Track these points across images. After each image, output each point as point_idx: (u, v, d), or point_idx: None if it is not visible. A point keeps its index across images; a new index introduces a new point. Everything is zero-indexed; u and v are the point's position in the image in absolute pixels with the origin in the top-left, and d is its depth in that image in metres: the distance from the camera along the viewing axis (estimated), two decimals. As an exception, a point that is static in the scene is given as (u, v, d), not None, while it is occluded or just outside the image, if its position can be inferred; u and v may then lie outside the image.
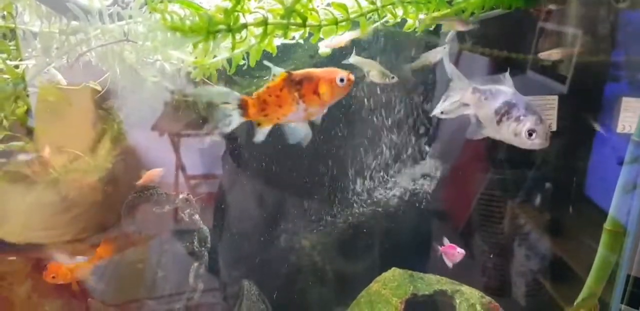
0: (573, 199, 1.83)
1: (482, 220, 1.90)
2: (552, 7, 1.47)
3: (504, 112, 1.14)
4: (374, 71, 1.34)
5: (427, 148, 1.77)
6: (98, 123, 1.61)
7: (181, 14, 0.98)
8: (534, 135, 1.10)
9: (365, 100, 1.64)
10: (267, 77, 1.49)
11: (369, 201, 1.76)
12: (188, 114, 1.63)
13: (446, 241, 1.58)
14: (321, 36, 1.07)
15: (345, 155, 1.72)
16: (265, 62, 1.01)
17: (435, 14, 1.14)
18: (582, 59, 1.64)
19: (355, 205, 1.76)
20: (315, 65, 1.08)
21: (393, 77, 1.35)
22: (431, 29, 1.16)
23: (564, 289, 1.75)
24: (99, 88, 1.28)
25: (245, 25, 0.98)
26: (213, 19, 0.96)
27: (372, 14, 1.03)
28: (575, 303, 1.29)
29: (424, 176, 1.79)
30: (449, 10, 1.12)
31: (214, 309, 1.69)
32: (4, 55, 1.18)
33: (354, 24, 1.05)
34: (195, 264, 1.53)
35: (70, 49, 1.14)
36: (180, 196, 1.51)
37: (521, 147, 1.16)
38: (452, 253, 1.54)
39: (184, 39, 0.98)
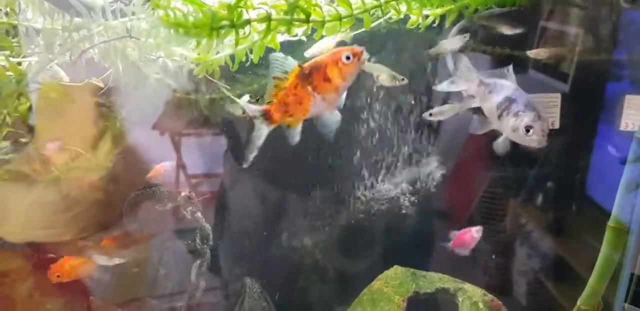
0: (575, 198, 1.82)
1: (484, 219, 1.90)
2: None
3: (505, 107, 1.14)
4: (383, 75, 1.34)
5: (428, 145, 1.77)
6: (99, 121, 1.61)
7: (184, 10, 0.98)
8: (531, 131, 1.10)
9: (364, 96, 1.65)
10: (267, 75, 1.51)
11: (370, 199, 1.76)
12: (190, 112, 1.63)
13: (454, 233, 1.55)
14: (323, 33, 1.07)
15: (347, 152, 1.71)
16: (277, 54, 0.99)
17: (438, 10, 1.14)
18: (583, 58, 1.64)
19: (357, 202, 1.76)
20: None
21: (403, 79, 1.35)
22: (434, 25, 1.16)
23: (565, 287, 1.75)
24: (101, 85, 1.27)
25: (248, 21, 0.97)
26: (216, 15, 0.96)
27: (376, 10, 1.03)
28: (578, 301, 1.28)
29: (426, 174, 1.79)
30: (452, 6, 1.12)
31: (216, 307, 1.68)
32: (7, 52, 1.18)
33: (357, 20, 1.05)
34: (198, 262, 1.52)
35: (73, 46, 1.13)
36: (183, 194, 1.50)
37: (520, 143, 1.16)
38: (469, 237, 1.51)
39: (187, 36, 0.98)
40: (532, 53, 1.52)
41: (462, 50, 1.44)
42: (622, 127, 1.54)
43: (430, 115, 1.36)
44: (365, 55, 0.93)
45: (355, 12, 1.02)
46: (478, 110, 1.24)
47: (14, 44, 1.19)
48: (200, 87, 1.53)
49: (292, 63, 0.93)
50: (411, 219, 1.83)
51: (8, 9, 1.15)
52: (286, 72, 0.95)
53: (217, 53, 1.14)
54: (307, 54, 1.27)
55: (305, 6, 0.98)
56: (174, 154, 1.77)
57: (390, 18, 1.13)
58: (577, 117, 1.62)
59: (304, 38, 1.11)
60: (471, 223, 1.96)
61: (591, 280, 1.29)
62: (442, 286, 1.56)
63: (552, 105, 1.57)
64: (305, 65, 0.93)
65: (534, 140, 1.11)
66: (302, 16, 0.98)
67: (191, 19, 0.98)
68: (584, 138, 1.76)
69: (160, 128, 1.72)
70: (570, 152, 1.78)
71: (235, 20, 0.96)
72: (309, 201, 1.76)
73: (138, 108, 1.57)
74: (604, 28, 1.66)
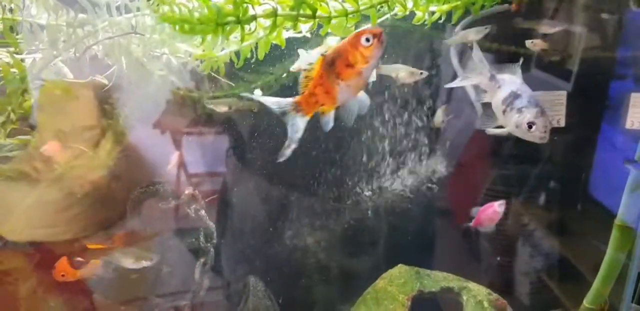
0: (577, 197, 1.82)
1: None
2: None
3: (509, 103, 1.14)
4: (402, 73, 1.33)
5: (433, 143, 1.77)
6: (101, 119, 1.60)
7: (189, 6, 0.98)
8: (533, 127, 1.09)
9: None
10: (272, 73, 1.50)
11: (373, 197, 1.75)
12: (193, 110, 1.62)
13: (476, 209, 1.50)
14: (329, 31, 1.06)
15: (350, 150, 1.71)
16: (300, 51, 0.97)
17: (445, 6, 1.13)
18: (586, 55, 1.64)
19: (359, 201, 1.75)
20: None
21: (422, 73, 1.35)
22: (440, 21, 1.15)
23: (568, 286, 1.74)
24: (105, 81, 1.27)
25: (254, 17, 0.97)
26: (222, 11, 0.96)
27: (382, 6, 1.02)
28: (584, 300, 1.27)
29: (430, 172, 1.78)
30: (458, 2, 1.11)
31: (220, 305, 1.68)
32: (12, 49, 1.17)
33: (364, 16, 1.04)
34: (201, 260, 1.52)
35: (77, 42, 1.13)
36: (187, 191, 1.50)
37: (523, 138, 1.15)
38: (491, 212, 1.46)
39: (192, 32, 0.98)
40: (531, 43, 1.51)
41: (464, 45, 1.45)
42: (628, 125, 1.54)
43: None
44: (385, 37, 0.89)
45: (362, 7, 1.01)
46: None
47: (19, 41, 1.18)
48: (204, 84, 1.53)
49: (317, 54, 0.91)
50: (414, 217, 1.82)
51: (13, 5, 1.14)
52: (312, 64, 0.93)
53: (222, 49, 1.14)
54: (293, 68, 1.29)
55: (312, 2, 0.97)
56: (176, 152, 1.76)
57: (395, 14, 1.12)
58: (580, 116, 1.61)
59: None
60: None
61: (597, 279, 1.29)
62: (447, 285, 1.55)
63: (557, 103, 1.56)
64: (328, 53, 0.91)
65: (536, 137, 1.11)
66: (309, 12, 0.98)
67: (196, 14, 0.97)
68: (588, 136, 1.76)
69: (162, 126, 1.71)
70: (575, 151, 1.78)
71: (241, 16, 0.96)
72: (313, 199, 1.76)
73: (140, 105, 1.57)
74: (609, 26, 1.66)
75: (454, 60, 1.57)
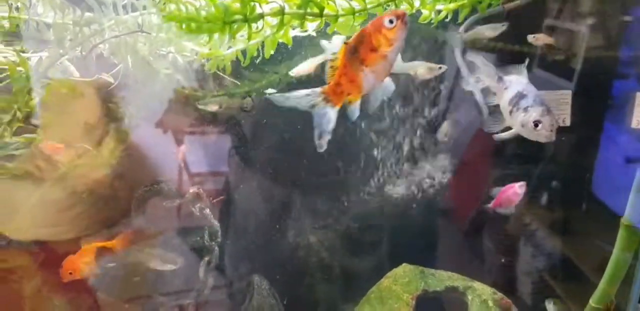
0: (580, 197, 1.82)
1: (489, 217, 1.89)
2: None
3: (515, 103, 1.14)
4: (420, 69, 1.33)
5: (436, 143, 1.77)
6: (105, 118, 1.60)
7: (196, 5, 0.98)
8: (539, 126, 1.09)
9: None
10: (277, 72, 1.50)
11: (377, 197, 1.75)
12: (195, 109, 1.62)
13: (496, 190, 1.48)
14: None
15: (354, 150, 1.71)
16: (322, 42, 0.95)
17: (451, 5, 1.13)
18: (590, 54, 1.63)
19: (364, 200, 1.75)
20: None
21: (440, 67, 1.35)
22: (447, 19, 1.15)
23: (570, 286, 1.74)
24: (111, 80, 1.27)
25: (261, 15, 0.97)
26: (229, 9, 0.96)
27: (389, 5, 1.02)
28: (590, 299, 1.27)
29: (433, 171, 1.78)
30: (465, 1, 1.11)
31: (224, 304, 1.68)
32: (18, 47, 1.18)
33: (370, 15, 1.04)
34: (206, 259, 1.52)
35: (84, 40, 1.13)
36: (191, 190, 1.50)
37: (529, 138, 1.15)
38: (512, 193, 1.44)
39: (199, 30, 0.98)
40: (534, 38, 1.48)
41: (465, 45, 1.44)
42: (634, 125, 1.54)
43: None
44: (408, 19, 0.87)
45: (369, 6, 1.01)
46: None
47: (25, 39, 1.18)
48: (209, 83, 1.53)
49: (340, 44, 0.90)
50: (418, 217, 1.82)
51: (19, 4, 1.14)
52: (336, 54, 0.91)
53: (229, 48, 1.14)
54: (292, 72, 1.30)
55: (319, 0, 0.97)
56: (178, 151, 1.76)
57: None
58: (583, 116, 1.61)
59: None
60: (475, 221, 1.97)
61: (604, 279, 1.28)
62: (452, 285, 1.55)
63: (563, 103, 1.56)
64: (350, 40, 0.89)
65: (542, 135, 1.10)
66: (316, 10, 0.97)
67: (203, 13, 0.97)
68: (591, 136, 1.75)
69: (166, 125, 1.71)
70: (577, 150, 1.78)
71: (248, 14, 0.96)
72: (316, 198, 1.76)
73: (146, 104, 1.57)
74: (613, 25, 1.65)
75: (459, 59, 1.57)
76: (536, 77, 1.62)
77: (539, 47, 1.56)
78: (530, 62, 1.58)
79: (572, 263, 1.76)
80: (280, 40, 1.07)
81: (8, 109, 1.21)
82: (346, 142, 1.68)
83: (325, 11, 0.98)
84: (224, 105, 1.43)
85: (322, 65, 1.30)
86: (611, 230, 1.27)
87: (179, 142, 1.74)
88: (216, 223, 1.51)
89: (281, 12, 0.96)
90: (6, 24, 1.15)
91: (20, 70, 1.19)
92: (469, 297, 1.52)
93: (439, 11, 1.14)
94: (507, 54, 1.57)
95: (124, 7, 1.11)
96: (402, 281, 1.56)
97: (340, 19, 1.00)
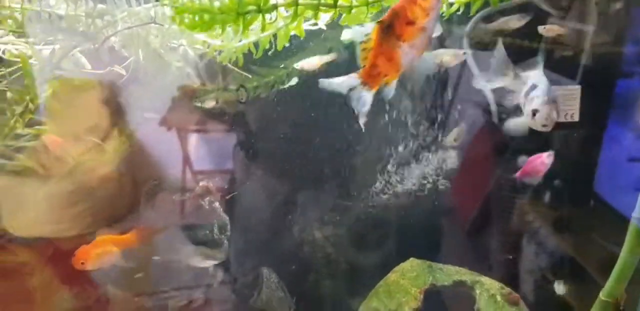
0: (583, 195, 1.82)
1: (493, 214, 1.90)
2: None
3: (527, 93, 1.14)
4: (446, 57, 1.32)
5: (440, 140, 1.77)
6: (109, 115, 1.60)
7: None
8: (537, 114, 1.08)
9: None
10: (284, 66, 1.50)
11: (383, 192, 1.75)
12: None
13: (524, 159, 1.46)
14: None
15: (361, 146, 1.71)
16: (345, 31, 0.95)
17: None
18: (596, 51, 1.63)
19: (369, 196, 1.75)
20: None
21: (464, 53, 1.34)
22: (459, 13, 1.15)
23: (573, 285, 1.74)
24: (123, 72, 1.27)
25: (275, 6, 0.97)
26: (243, 0, 0.96)
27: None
28: (600, 293, 1.27)
29: (436, 169, 1.78)
30: (477, -6, 1.11)
31: (233, 297, 1.68)
32: (31, 40, 1.18)
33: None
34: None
35: (96, 32, 1.13)
36: (201, 183, 1.50)
37: (533, 128, 1.14)
38: (540, 162, 1.40)
39: (213, 22, 0.98)
40: (544, 29, 1.46)
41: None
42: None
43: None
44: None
45: (383, -3, 1.01)
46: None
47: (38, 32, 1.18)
48: (219, 76, 1.53)
49: (370, 26, 0.86)
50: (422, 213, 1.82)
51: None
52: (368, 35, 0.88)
53: (240, 40, 1.14)
54: (297, 65, 1.31)
55: (333, -9, 0.97)
56: (184, 148, 1.76)
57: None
58: (587, 114, 1.61)
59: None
60: (479, 218, 1.97)
61: (614, 273, 1.28)
62: (459, 279, 1.55)
63: (571, 98, 1.56)
64: (383, 18, 0.86)
65: (538, 124, 1.09)
66: (330, 1, 0.98)
67: (217, 4, 0.98)
68: (594, 134, 1.76)
69: (172, 122, 1.71)
70: (581, 149, 1.78)
71: (262, 5, 0.96)
72: (322, 192, 1.76)
73: (155, 97, 1.57)
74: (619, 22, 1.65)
75: (469, 59, 1.56)
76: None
77: (543, 42, 1.55)
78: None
79: (575, 261, 1.76)
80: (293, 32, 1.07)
81: (20, 101, 1.21)
82: (354, 137, 1.68)
83: (340, 2, 0.99)
84: (220, 99, 1.43)
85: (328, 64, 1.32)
86: (614, 228, 1.27)
87: (185, 138, 1.75)
88: (225, 217, 1.51)
89: (295, 2, 0.96)
90: (19, 15, 1.15)
91: (33, 62, 1.19)
92: (477, 291, 1.52)
93: (451, 4, 1.14)
94: (512, 51, 1.58)
95: (137, -2, 1.11)
96: (410, 276, 1.56)
97: (354, 10, 1.00)
